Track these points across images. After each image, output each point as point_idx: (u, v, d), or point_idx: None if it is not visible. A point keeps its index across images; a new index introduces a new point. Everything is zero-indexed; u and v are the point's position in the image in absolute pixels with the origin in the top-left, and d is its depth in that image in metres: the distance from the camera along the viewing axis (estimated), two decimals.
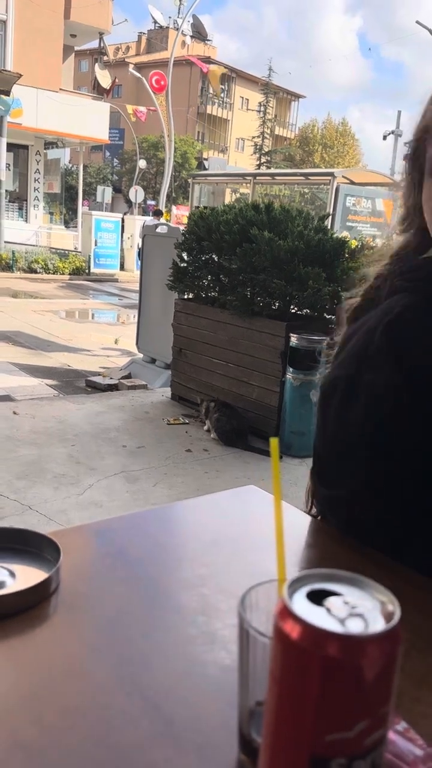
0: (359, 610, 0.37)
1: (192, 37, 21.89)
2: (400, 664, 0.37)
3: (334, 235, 4.42)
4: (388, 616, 0.37)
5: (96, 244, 15.80)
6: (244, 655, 0.47)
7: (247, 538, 0.85)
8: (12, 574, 0.71)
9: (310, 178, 12.51)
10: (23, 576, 0.70)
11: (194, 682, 0.59)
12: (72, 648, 0.63)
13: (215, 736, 0.53)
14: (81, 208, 20.53)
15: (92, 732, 0.53)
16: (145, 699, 0.57)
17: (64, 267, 15.49)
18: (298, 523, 0.94)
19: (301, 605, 0.37)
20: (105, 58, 20.40)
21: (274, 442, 0.54)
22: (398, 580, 0.80)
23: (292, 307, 4.34)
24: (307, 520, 0.96)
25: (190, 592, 0.72)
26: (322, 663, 0.35)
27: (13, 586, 0.69)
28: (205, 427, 4.29)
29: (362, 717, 0.35)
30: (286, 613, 0.37)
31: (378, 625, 0.36)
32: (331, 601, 0.38)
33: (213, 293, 4.79)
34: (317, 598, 0.38)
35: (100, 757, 0.51)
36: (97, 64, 19.00)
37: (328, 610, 0.37)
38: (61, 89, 18.78)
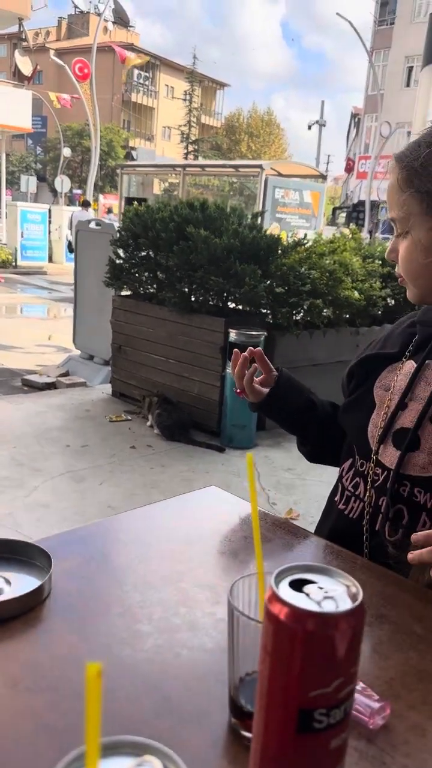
0: (331, 593, 0.48)
1: (114, 23, 21.48)
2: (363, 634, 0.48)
3: (266, 230, 4.55)
4: (353, 597, 0.47)
5: (23, 236, 15.42)
6: (234, 636, 0.57)
7: (215, 536, 0.94)
8: (8, 581, 0.78)
9: (239, 169, 12.67)
10: (18, 583, 0.77)
11: (184, 664, 0.69)
12: (69, 640, 0.71)
13: (208, 707, 0.62)
14: (4, 198, 19.91)
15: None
16: (145, 680, 0.66)
17: None
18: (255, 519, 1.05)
19: (286, 592, 0.47)
20: (24, 44, 19.73)
21: (249, 458, 0.63)
22: (357, 569, 0.92)
23: (230, 303, 4.46)
24: (261, 514, 1.06)
25: (170, 587, 0.81)
26: (305, 636, 0.45)
27: (9, 593, 0.75)
28: (148, 423, 4.36)
29: (337, 676, 0.46)
30: (275, 598, 0.47)
31: (346, 604, 0.47)
32: (309, 588, 0.48)
33: (151, 290, 4.84)
34: (298, 585, 0.48)
35: (110, 731, 0.59)
36: (17, 51, 18.38)
37: (307, 594, 0.47)
38: None
